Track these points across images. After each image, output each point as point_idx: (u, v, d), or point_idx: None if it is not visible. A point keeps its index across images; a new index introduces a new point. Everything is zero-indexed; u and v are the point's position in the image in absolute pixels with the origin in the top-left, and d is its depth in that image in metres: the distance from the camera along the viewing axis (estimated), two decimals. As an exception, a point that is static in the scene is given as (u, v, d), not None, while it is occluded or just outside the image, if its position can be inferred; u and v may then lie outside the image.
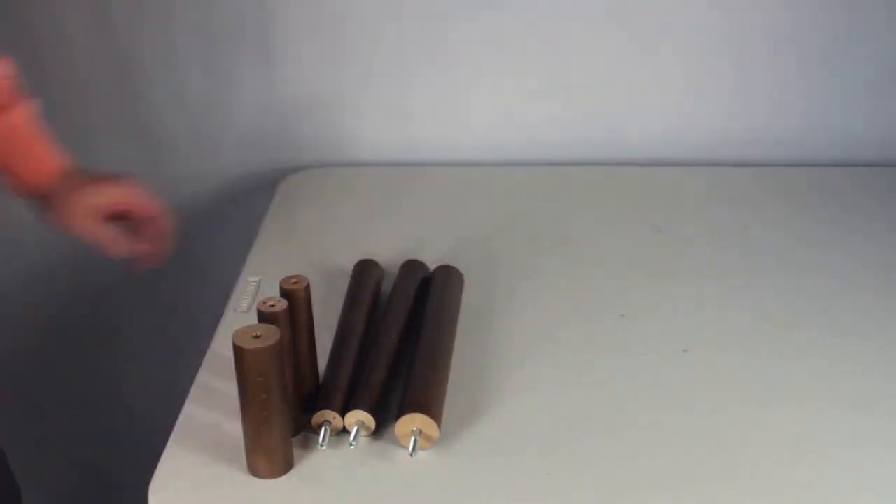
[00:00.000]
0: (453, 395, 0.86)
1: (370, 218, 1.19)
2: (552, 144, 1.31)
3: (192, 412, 0.85)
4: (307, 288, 0.83)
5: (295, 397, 0.80)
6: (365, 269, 1.01)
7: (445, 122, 1.31)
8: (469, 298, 1.00)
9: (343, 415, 0.80)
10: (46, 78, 1.28)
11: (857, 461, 0.80)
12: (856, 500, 0.77)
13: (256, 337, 0.74)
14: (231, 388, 0.77)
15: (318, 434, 0.80)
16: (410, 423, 0.79)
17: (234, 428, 0.80)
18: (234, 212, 1.34)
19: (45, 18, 1.25)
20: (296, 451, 0.79)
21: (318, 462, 0.79)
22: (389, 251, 1.07)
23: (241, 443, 0.78)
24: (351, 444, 0.80)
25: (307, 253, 1.09)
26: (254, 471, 0.78)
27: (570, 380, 0.90)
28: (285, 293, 0.82)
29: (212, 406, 0.85)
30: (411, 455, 0.78)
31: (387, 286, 1.01)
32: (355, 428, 0.80)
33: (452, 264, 1.02)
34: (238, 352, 0.74)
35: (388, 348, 0.88)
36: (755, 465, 0.80)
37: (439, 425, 0.80)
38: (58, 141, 0.98)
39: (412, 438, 0.79)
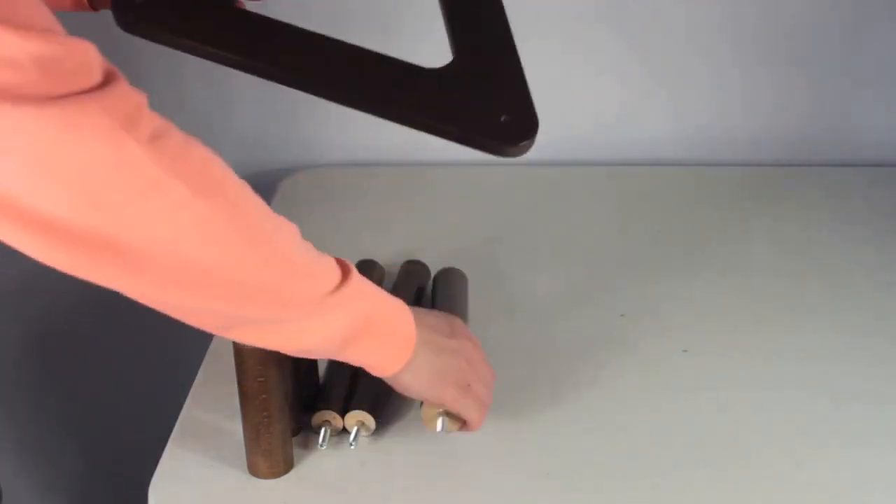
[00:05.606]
0: (453, 395, 0.86)
1: (370, 218, 1.19)
2: (552, 144, 1.31)
3: (192, 412, 0.85)
4: (307, 288, 0.83)
5: (295, 397, 0.80)
6: (365, 269, 1.01)
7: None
8: (469, 298, 1.00)
9: (343, 415, 0.80)
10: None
11: (858, 460, 0.80)
12: (857, 499, 0.77)
13: (256, 337, 0.74)
14: (231, 388, 0.77)
15: (318, 434, 0.80)
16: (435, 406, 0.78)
17: (234, 428, 0.80)
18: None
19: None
20: (296, 451, 0.79)
21: (318, 462, 0.79)
22: (389, 251, 1.07)
23: (241, 443, 0.78)
24: (351, 445, 0.80)
25: (307, 253, 1.09)
26: (254, 471, 0.78)
27: (569, 380, 0.90)
28: (285, 293, 0.82)
29: (212, 406, 0.85)
30: (444, 434, 0.78)
31: (387, 286, 1.01)
32: (355, 428, 0.80)
33: (453, 264, 1.02)
34: (238, 352, 0.74)
35: (389, 348, 0.88)
36: (756, 464, 0.80)
37: None
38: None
39: (440, 419, 0.78)
